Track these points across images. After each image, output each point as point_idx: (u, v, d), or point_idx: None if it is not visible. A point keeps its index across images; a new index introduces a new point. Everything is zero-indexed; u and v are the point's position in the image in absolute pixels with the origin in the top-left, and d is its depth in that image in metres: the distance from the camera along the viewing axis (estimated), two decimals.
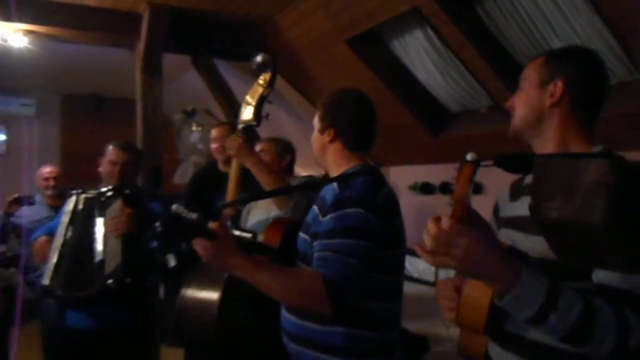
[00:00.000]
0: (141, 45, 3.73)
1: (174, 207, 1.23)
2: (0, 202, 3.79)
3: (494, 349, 1.12)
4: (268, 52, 1.96)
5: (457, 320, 1.09)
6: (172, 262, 3.11)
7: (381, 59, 3.72)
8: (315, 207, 1.49)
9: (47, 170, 3.59)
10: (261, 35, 4.03)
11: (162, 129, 3.93)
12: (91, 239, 2.17)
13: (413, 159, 4.17)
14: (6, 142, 5.90)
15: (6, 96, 5.78)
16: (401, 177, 4.19)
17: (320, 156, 1.58)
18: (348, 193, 1.38)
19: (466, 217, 0.84)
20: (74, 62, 4.92)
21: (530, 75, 1.14)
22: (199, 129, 4.85)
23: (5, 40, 3.50)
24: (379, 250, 1.37)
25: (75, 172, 4.40)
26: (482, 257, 0.84)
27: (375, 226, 1.36)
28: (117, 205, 2.18)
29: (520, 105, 1.14)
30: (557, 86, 1.08)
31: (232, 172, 1.97)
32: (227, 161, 2.56)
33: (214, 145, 2.77)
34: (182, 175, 4.88)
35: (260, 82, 1.89)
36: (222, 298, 1.65)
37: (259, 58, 1.90)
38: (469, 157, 0.84)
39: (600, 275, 0.94)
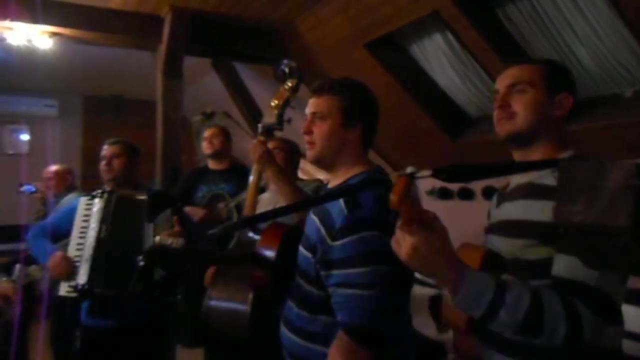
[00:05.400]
0: (163, 48, 3.79)
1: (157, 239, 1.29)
2: (25, 199, 3.89)
3: (480, 346, 1.18)
4: (286, 55, 1.99)
5: (444, 321, 1.17)
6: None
7: (400, 63, 3.71)
8: (316, 220, 1.34)
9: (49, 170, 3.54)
10: (280, 38, 4.06)
11: (181, 130, 3.98)
12: (135, 241, 2.15)
13: (431, 163, 4.13)
14: (30, 141, 6.02)
15: (30, 97, 5.91)
16: (419, 182, 4.16)
17: (333, 153, 1.37)
18: (360, 214, 1.23)
19: (410, 222, 0.90)
20: (96, 64, 5.00)
21: (533, 80, 1.16)
22: None
23: (30, 42, 3.57)
24: (397, 269, 1.19)
25: (96, 172, 4.46)
26: (425, 257, 0.90)
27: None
28: (165, 215, 2.18)
29: (529, 110, 1.15)
30: (568, 99, 1.15)
31: (252, 178, 1.98)
32: (214, 157, 3.09)
33: (204, 143, 3.12)
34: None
35: (286, 87, 1.93)
36: (254, 299, 1.64)
37: (285, 64, 1.94)
38: (409, 169, 0.92)
39: (555, 268, 0.98)
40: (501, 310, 0.92)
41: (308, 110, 1.41)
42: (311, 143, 1.38)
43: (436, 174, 0.92)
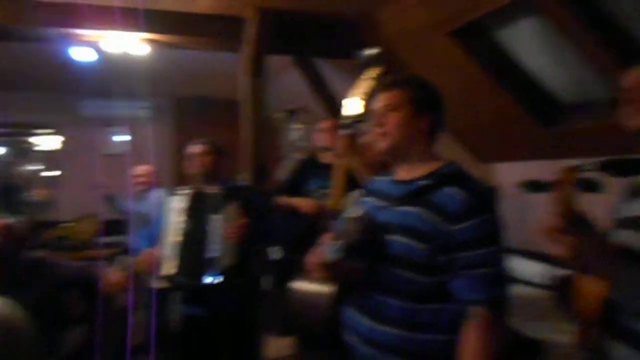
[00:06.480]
0: (247, 49, 3.90)
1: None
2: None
3: (607, 341, 1.18)
4: (367, 47, 1.95)
5: (576, 313, 1.20)
6: (278, 254, 3.24)
7: (486, 50, 3.57)
8: (414, 209, 1.36)
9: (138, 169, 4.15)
10: (360, 32, 4.05)
11: (265, 128, 4.08)
12: (204, 234, 2.31)
13: (522, 155, 3.97)
14: (127, 142, 6.48)
15: (129, 101, 6.35)
16: (508, 174, 3.99)
17: (407, 142, 1.43)
18: (480, 198, 1.32)
19: (570, 217, 0.94)
20: (184, 67, 5.26)
21: None
22: (300, 127, 4.98)
23: (128, 49, 3.82)
24: None
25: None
26: (586, 253, 0.97)
27: None
28: (233, 209, 2.30)
29: None
30: None
31: (338, 173, 1.97)
32: (330, 150, 2.89)
33: (319, 136, 2.99)
34: (285, 172, 5.04)
35: (372, 76, 1.89)
36: (333, 294, 1.67)
37: (368, 52, 1.91)
38: (575, 163, 0.95)
39: None
40: None
41: (378, 104, 1.48)
42: (384, 134, 1.44)
43: (604, 167, 0.95)
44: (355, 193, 2.21)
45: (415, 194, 1.38)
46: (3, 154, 6.71)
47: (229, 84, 4.33)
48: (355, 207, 1.62)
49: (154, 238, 2.45)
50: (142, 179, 4.14)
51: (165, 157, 6.49)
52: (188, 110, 6.84)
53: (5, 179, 6.64)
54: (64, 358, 2.12)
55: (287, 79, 5.18)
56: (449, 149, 4.23)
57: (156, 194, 4.13)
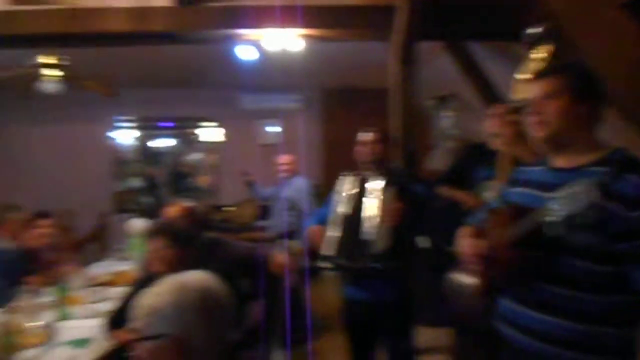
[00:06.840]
0: (397, 37, 3.88)
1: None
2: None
3: None
4: (528, 27, 1.83)
5: None
6: (426, 243, 3.23)
7: None
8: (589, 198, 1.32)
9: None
10: (519, 11, 3.78)
11: (415, 116, 4.04)
12: (362, 218, 2.40)
13: None
14: (280, 133, 6.91)
15: (281, 94, 6.76)
16: None
17: (569, 129, 1.39)
18: None
19: None
20: (333, 59, 5.41)
21: None
22: (451, 114, 4.84)
23: (285, 45, 4.04)
24: None
25: (335, 158, 4.92)
26: None
27: None
28: (390, 193, 2.35)
29: None
30: None
31: (504, 161, 1.91)
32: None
33: (488, 122, 2.87)
34: (435, 161, 4.96)
35: (540, 55, 1.79)
36: (487, 285, 1.62)
37: (534, 31, 1.81)
38: None
39: None
40: None
41: (535, 92, 1.43)
42: (542, 123, 1.40)
43: None
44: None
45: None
46: (173, 145, 7.58)
47: (377, 74, 4.36)
48: (501, 199, 1.57)
49: (317, 220, 2.60)
50: (286, 167, 4.57)
51: (315, 147, 6.79)
52: (336, 101, 7.05)
53: (175, 167, 7.52)
54: (244, 332, 2.35)
55: (437, 65, 5.05)
56: (620, 135, 3.79)
57: (299, 181, 4.45)
